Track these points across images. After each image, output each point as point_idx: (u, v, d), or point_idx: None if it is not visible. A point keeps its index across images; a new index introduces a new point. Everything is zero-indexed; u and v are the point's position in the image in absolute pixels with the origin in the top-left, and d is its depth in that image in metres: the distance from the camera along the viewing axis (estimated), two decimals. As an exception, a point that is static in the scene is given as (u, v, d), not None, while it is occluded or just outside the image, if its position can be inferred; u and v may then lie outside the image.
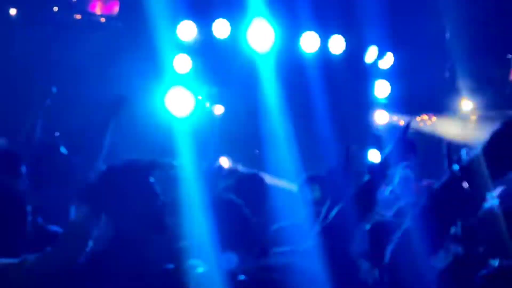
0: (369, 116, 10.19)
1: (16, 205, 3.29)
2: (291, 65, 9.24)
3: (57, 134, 9.67)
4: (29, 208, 3.33)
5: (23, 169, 4.34)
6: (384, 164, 3.57)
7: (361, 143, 9.58)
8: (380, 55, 9.86)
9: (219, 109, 8.35)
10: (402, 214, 4.55)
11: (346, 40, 9.56)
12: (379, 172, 3.55)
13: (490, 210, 3.25)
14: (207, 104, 9.01)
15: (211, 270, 3.21)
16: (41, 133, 5.61)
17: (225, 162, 9.66)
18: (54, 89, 5.70)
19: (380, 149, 8.90)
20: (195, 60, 8.94)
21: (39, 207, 4.03)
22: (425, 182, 7.22)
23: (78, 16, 11.09)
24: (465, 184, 2.72)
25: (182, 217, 4.43)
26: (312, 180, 4.76)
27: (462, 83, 11.63)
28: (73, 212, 4.53)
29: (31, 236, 3.34)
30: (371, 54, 9.80)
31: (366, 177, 3.46)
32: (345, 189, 3.60)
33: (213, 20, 9.11)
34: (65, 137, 9.17)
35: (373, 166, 3.55)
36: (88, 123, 9.84)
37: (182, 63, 8.81)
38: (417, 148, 4.01)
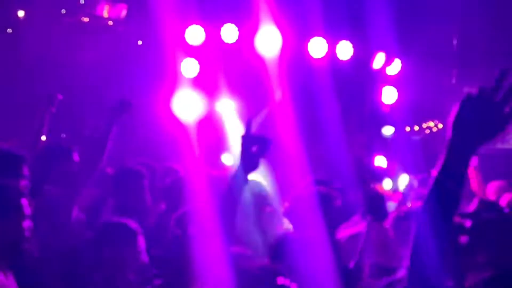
0: (376, 123, 10.16)
1: (12, 210, 3.29)
2: (298, 70, 9.23)
3: (63, 135, 9.70)
4: (27, 212, 3.31)
5: (25, 170, 4.32)
6: None
7: (368, 150, 9.59)
8: (388, 62, 9.83)
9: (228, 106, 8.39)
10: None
11: (354, 46, 9.53)
12: None
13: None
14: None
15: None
16: (48, 136, 5.61)
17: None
18: (59, 97, 5.68)
19: (387, 155, 8.90)
20: (203, 64, 8.94)
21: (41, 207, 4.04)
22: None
23: (86, 19, 11.12)
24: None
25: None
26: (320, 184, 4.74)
27: (469, 90, 11.58)
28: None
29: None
30: (378, 60, 9.77)
31: None
32: None
33: (221, 25, 9.11)
34: (69, 138, 9.21)
35: None
36: (93, 125, 9.87)
37: (190, 67, 8.81)
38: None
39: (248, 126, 2.88)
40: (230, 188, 2.99)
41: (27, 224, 3.28)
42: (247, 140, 2.89)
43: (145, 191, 4.96)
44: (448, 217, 2.19)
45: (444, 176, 2.18)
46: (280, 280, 3.27)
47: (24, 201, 3.30)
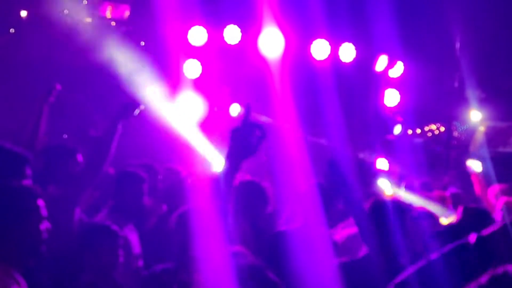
0: (378, 125, 10.15)
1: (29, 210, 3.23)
2: (301, 72, 9.23)
3: (65, 136, 9.70)
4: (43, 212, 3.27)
5: (28, 170, 4.28)
6: None
7: (371, 152, 9.59)
8: (390, 64, 9.83)
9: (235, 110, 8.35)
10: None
11: (356, 49, 9.53)
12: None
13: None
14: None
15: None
16: (47, 132, 5.57)
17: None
18: (58, 87, 5.59)
19: (389, 157, 8.88)
20: (205, 65, 8.95)
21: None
22: (435, 192, 7.19)
23: (89, 20, 11.11)
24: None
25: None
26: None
27: (472, 93, 11.60)
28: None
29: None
30: (381, 63, 9.77)
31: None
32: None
33: (224, 26, 9.12)
34: (72, 139, 9.20)
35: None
36: (97, 125, 9.86)
37: (192, 68, 8.81)
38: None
39: (247, 112, 2.85)
40: (222, 180, 2.97)
41: (44, 226, 3.24)
42: (247, 125, 2.85)
43: (144, 195, 4.96)
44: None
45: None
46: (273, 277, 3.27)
47: (41, 202, 3.26)
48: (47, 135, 5.63)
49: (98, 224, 4.15)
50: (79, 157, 4.98)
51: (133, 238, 4.75)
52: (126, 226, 4.63)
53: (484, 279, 2.73)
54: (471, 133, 12.19)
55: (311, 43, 9.26)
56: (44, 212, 3.21)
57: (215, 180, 2.93)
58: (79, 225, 4.30)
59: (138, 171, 5.06)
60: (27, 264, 3.13)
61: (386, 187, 7.84)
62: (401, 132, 10.12)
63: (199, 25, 8.95)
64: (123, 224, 4.48)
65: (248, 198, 4.89)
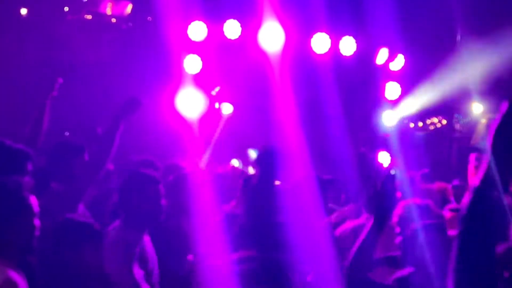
0: (380, 118, 10.14)
1: (21, 208, 3.24)
2: (301, 66, 9.22)
3: (66, 134, 9.71)
4: (35, 210, 3.27)
5: (30, 166, 4.26)
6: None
7: (371, 145, 9.58)
8: (391, 57, 9.81)
9: (227, 109, 8.27)
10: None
11: (357, 42, 9.51)
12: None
13: None
14: (217, 105, 8.98)
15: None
16: (49, 127, 5.54)
17: (235, 164, 9.69)
18: (60, 80, 5.53)
19: (389, 151, 8.87)
20: (206, 60, 8.94)
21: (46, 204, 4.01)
22: (436, 185, 7.18)
23: (89, 17, 11.11)
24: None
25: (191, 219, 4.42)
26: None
27: (473, 86, 11.57)
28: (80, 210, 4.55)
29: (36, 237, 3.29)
30: (382, 55, 9.74)
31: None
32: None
33: (224, 21, 9.11)
34: (74, 136, 9.19)
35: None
36: (98, 123, 9.86)
37: (193, 64, 8.80)
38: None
39: None
40: None
41: (37, 222, 3.24)
42: None
43: (162, 197, 4.40)
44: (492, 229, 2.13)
45: (488, 187, 2.14)
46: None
47: (33, 199, 3.26)
48: (48, 132, 5.62)
49: (80, 221, 3.98)
50: (86, 155, 4.93)
51: (149, 247, 4.40)
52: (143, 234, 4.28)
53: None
54: (473, 125, 12.19)
55: (311, 36, 9.25)
56: (36, 208, 3.23)
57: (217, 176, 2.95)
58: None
59: (149, 171, 4.61)
60: (24, 260, 3.16)
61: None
62: (397, 123, 10.08)
63: (199, 20, 8.94)
64: (141, 233, 4.25)
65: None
